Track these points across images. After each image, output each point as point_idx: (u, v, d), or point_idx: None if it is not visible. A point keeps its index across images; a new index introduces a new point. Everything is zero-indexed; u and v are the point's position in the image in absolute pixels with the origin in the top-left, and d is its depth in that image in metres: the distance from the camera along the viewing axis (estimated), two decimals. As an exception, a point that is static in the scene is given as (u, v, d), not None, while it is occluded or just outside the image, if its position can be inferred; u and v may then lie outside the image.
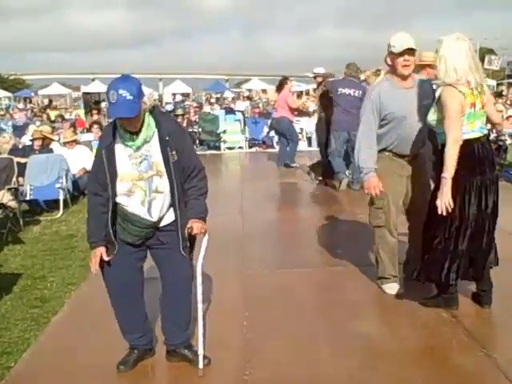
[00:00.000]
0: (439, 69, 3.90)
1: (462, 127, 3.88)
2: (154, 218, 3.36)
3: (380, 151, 4.45)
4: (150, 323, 3.76)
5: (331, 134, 9.04)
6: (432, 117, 4.01)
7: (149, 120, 3.26)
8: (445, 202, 3.87)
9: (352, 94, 8.72)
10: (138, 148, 3.26)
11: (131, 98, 3.04)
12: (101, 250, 3.34)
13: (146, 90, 3.45)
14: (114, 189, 3.30)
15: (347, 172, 9.21)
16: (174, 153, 3.27)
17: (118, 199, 3.33)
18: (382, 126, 4.40)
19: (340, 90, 8.87)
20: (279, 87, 11.86)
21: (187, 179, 3.36)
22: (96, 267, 3.37)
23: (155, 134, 3.28)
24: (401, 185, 4.52)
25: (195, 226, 3.31)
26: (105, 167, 3.27)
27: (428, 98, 4.25)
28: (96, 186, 3.36)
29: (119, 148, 3.28)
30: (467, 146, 3.91)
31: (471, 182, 3.95)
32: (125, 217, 3.37)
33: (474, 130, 3.95)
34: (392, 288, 4.62)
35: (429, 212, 4.16)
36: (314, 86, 12.22)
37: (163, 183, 3.32)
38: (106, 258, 3.34)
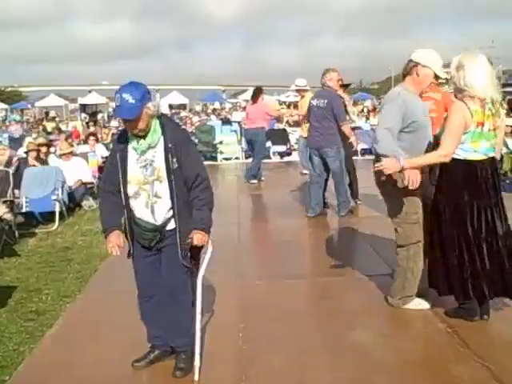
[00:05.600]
0: (458, 76, 3.90)
1: (463, 145, 3.88)
2: (158, 222, 3.48)
3: None
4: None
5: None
6: (439, 131, 4.06)
7: (155, 126, 3.40)
8: (386, 166, 3.90)
9: (318, 105, 7.74)
10: (143, 152, 3.42)
11: (133, 101, 3.24)
12: (112, 236, 3.49)
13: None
14: (125, 191, 3.48)
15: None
16: (174, 160, 3.37)
17: (130, 200, 3.50)
18: (406, 134, 4.21)
19: (311, 103, 7.99)
20: (255, 97, 11.51)
21: (191, 189, 3.43)
22: (114, 251, 3.49)
23: (161, 140, 3.41)
24: (420, 202, 4.38)
25: (195, 237, 3.39)
26: (118, 170, 3.46)
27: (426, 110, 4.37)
28: (107, 184, 3.60)
29: (130, 152, 3.46)
30: (469, 167, 3.92)
31: (472, 205, 3.94)
32: (133, 219, 3.53)
33: (478, 150, 3.91)
34: (422, 304, 4.47)
35: (431, 231, 4.18)
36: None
37: (162, 189, 3.42)
38: (117, 242, 3.47)
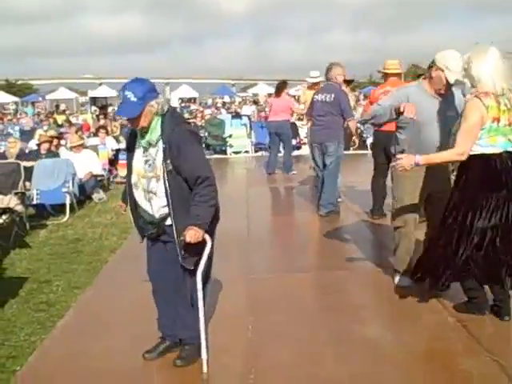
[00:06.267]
0: (467, 73, 3.88)
1: (480, 141, 3.81)
2: (156, 216, 3.52)
3: None
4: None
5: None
6: (455, 128, 4.01)
7: (156, 124, 3.38)
8: (402, 163, 3.92)
9: (323, 100, 7.60)
10: (146, 149, 3.45)
11: (135, 99, 3.26)
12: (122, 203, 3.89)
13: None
14: (129, 180, 3.60)
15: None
16: (168, 161, 3.34)
17: (133, 189, 3.60)
18: (404, 130, 4.54)
19: (314, 97, 7.91)
20: (279, 91, 11.70)
21: (193, 187, 3.39)
22: (122, 211, 3.93)
23: (160, 139, 3.39)
24: (419, 188, 4.51)
25: (188, 233, 3.30)
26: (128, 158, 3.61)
27: (452, 110, 4.34)
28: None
29: (138, 146, 3.52)
30: (487, 161, 3.85)
31: (490, 197, 3.85)
32: (138, 209, 3.62)
33: (496, 145, 3.84)
34: (402, 280, 4.75)
35: (440, 223, 4.11)
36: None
37: (158, 187, 3.43)
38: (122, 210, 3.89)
